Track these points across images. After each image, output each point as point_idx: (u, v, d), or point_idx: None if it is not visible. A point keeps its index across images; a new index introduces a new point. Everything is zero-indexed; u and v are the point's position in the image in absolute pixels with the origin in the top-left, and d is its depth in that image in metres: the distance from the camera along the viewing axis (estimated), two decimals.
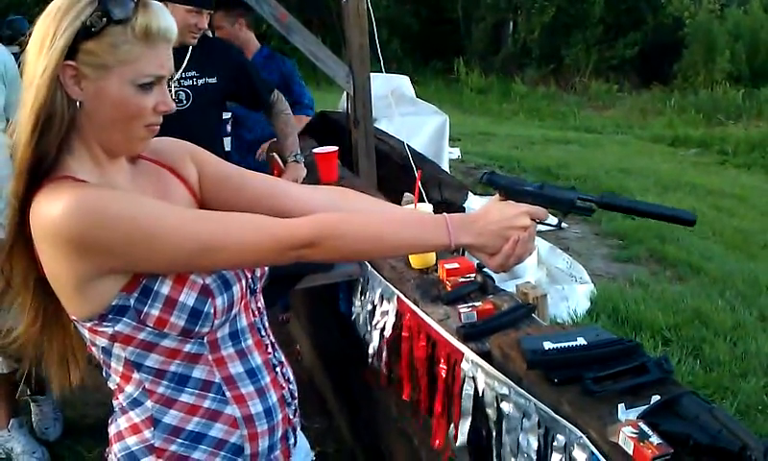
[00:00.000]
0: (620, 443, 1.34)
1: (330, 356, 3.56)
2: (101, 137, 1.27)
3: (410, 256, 2.33)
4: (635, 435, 1.32)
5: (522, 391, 1.60)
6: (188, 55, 3.08)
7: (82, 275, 1.20)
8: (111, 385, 1.36)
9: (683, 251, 6.17)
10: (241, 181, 1.48)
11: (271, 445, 1.40)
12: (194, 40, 3.04)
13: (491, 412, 1.72)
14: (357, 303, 2.63)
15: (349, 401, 3.28)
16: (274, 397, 1.40)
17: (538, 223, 1.40)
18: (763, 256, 6.57)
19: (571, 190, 1.43)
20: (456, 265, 2.19)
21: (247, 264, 1.34)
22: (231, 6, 4.13)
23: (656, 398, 1.45)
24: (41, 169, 1.21)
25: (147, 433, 1.31)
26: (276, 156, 3.66)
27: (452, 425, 1.89)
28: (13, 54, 3.44)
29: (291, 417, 1.47)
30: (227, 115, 3.89)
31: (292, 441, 1.48)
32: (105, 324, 1.24)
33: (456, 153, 9.06)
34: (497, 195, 1.43)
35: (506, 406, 1.67)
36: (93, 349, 1.32)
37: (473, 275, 2.15)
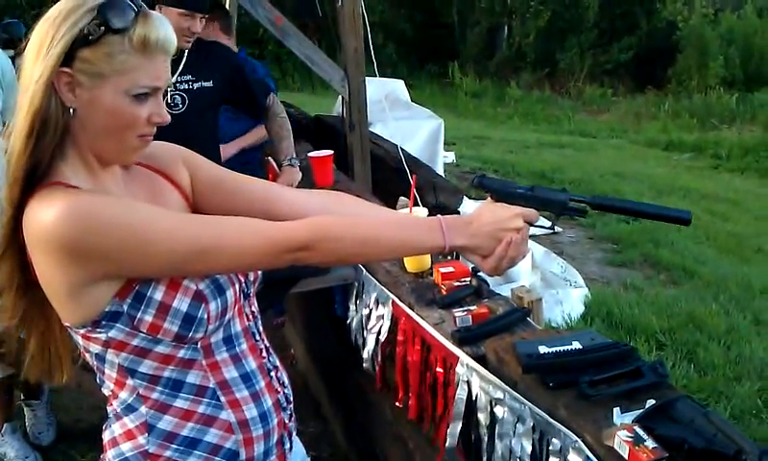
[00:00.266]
0: (615, 447, 1.34)
1: (325, 361, 3.55)
2: (93, 145, 1.26)
3: (405, 260, 2.33)
4: (630, 439, 1.32)
5: (517, 395, 1.60)
6: (184, 59, 3.07)
7: (74, 281, 1.19)
8: (105, 391, 1.35)
9: (677, 255, 6.18)
10: (235, 185, 1.47)
11: (266, 450, 1.40)
12: (188, 44, 3.04)
13: (482, 417, 1.72)
14: (352, 307, 2.63)
15: (344, 406, 3.27)
16: (269, 401, 1.40)
17: (531, 225, 1.40)
18: (757, 260, 6.59)
19: (563, 192, 1.43)
20: (451, 269, 2.20)
21: (242, 268, 1.33)
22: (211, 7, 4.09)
23: (651, 402, 1.45)
24: (36, 175, 1.20)
25: (141, 439, 1.31)
26: (272, 159, 3.66)
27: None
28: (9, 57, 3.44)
29: (286, 421, 1.46)
30: None
31: (288, 446, 1.48)
32: (98, 330, 1.23)
33: (451, 157, 9.06)
34: (489, 198, 1.43)
35: (499, 411, 1.67)
36: (87, 355, 1.31)
37: (468, 279, 2.15)
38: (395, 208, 2.81)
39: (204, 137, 3.06)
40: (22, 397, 3.34)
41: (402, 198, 2.96)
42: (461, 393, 1.78)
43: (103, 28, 1.18)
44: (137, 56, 1.21)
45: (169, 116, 1.29)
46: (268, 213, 1.42)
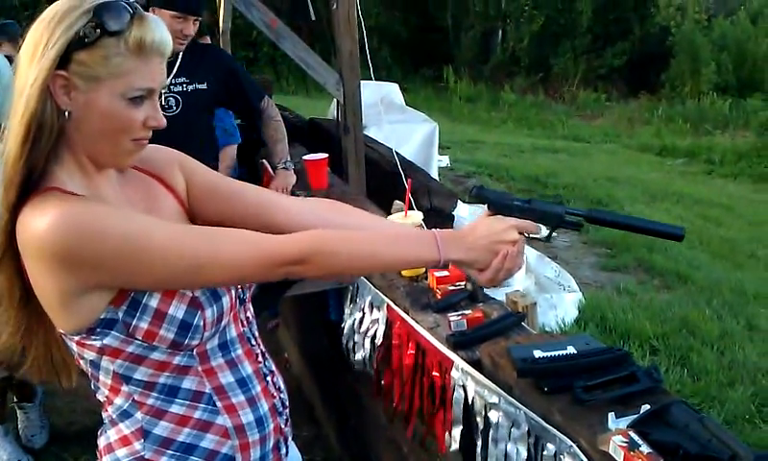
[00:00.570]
0: (610, 452, 1.34)
1: (319, 364, 3.55)
2: (89, 149, 1.25)
3: None
4: (625, 444, 1.32)
5: (512, 399, 1.60)
6: (178, 61, 3.07)
7: (67, 290, 1.18)
8: (100, 397, 1.34)
9: (670, 260, 6.20)
10: (230, 192, 1.46)
11: (262, 455, 1.39)
12: (181, 47, 3.04)
13: (479, 421, 1.72)
14: (347, 311, 2.62)
15: (338, 410, 3.27)
16: (265, 406, 1.39)
17: (526, 237, 1.40)
18: (750, 266, 6.62)
19: (559, 205, 1.43)
20: (446, 273, 2.19)
21: (237, 281, 1.32)
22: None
23: (645, 407, 1.45)
24: (31, 180, 1.19)
25: (137, 445, 1.30)
26: (266, 162, 3.66)
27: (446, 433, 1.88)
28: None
29: (282, 426, 1.45)
30: None
31: (284, 451, 1.47)
32: (93, 337, 1.22)
33: (445, 161, 9.08)
34: (486, 209, 1.43)
35: (494, 415, 1.66)
36: (81, 361, 1.30)
37: (463, 283, 2.15)
38: (389, 212, 2.81)
39: (198, 139, 3.06)
40: (15, 399, 3.32)
41: (397, 201, 2.96)
42: (458, 396, 1.78)
43: (99, 30, 1.17)
44: (133, 58, 1.20)
45: (165, 120, 1.28)
46: (263, 220, 1.42)
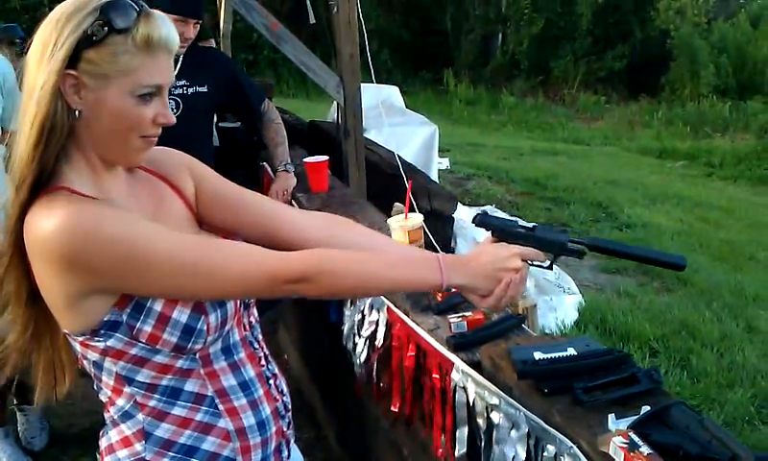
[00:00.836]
0: (611, 453, 1.34)
1: (319, 366, 3.55)
2: (98, 147, 1.25)
3: None
4: (625, 445, 1.32)
5: (512, 401, 1.60)
6: (179, 64, 3.08)
7: (72, 291, 1.18)
8: (102, 398, 1.34)
9: None
10: (238, 200, 1.47)
11: (264, 458, 1.39)
12: (182, 50, 3.04)
13: (480, 422, 1.72)
14: (347, 312, 2.62)
15: (338, 412, 3.27)
16: (267, 409, 1.39)
17: (530, 264, 1.40)
18: (749, 268, 6.62)
19: (563, 232, 1.44)
20: None
21: (239, 295, 1.32)
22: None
23: (645, 408, 1.45)
24: (42, 180, 1.20)
25: (138, 446, 1.30)
26: (267, 165, 3.66)
27: (442, 436, 1.88)
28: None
29: (285, 429, 1.46)
30: None
31: (285, 454, 1.47)
32: (96, 339, 1.23)
33: (445, 163, 9.08)
34: (490, 235, 1.43)
35: (495, 416, 1.67)
36: (84, 361, 1.31)
37: None
38: (389, 214, 2.81)
39: (198, 142, 3.06)
40: (15, 402, 3.32)
41: (397, 204, 2.96)
42: (461, 398, 1.78)
43: (106, 28, 1.18)
44: (141, 55, 1.21)
45: (174, 117, 1.29)
46: (269, 232, 1.44)
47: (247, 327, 1.41)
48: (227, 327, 1.32)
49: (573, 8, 19.36)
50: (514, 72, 19.72)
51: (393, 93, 8.01)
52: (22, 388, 3.27)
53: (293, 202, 3.39)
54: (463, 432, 1.80)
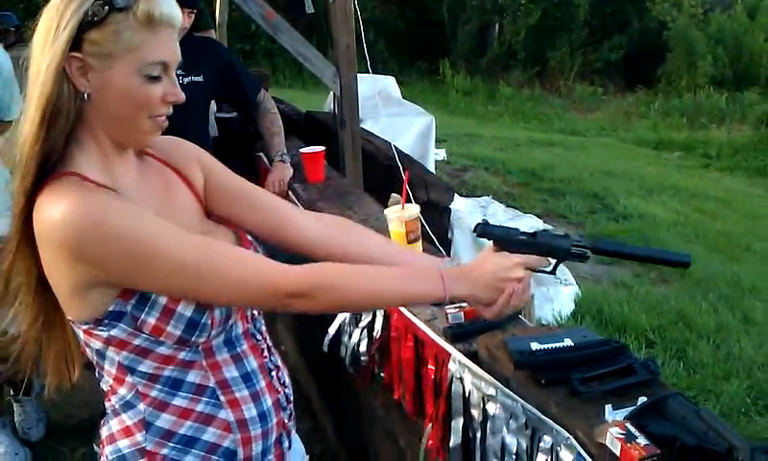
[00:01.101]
0: (607, 444, 1.34)
1: (316, 357, 3.54)
2: (109, 129, 1.25)
3: None
4: (622, 436, 1.32)
5: (509, 392, 1.60)
6: None
7: (76, 281, 1.19)
8: (104, 387, 1.34)
9: None
10: (247, 198, 1.48)
11: (264, 449, 1.39)
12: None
13: (476, 413, 1.72)
14: None
15: (335, 402, 3.27)
16: (269, 401, 1.39)
17: (533, 271, 1.40)
18: (746, 259, 6.63)
19: (565, 237, 1.42)
20: None
21: (239, 303, 1.31)
22: None
23: (642, 399, 1.45)
24: (49, 164, 1.20)
25: (139, 436, 1.30)
26: (263, 155, 3.65)
27: (430, 426, 1.89)
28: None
29: (286, 421, 1.46)
30: None
31: (286, 445, 1.47)
32: (100, 328, 1.23)
33: (442, 154, 9.07)
34: (491, 244, 1.41)
35: (491, 407, 1.67)
36: (87, 350, 1.31)
37: None
38: (386, 205, 2.80)
39: (195, 132, 3.03)
40: (11, 393, 3.32)
41: (394, 194, 2.95)
42: (456, 389, 1.78)
43: (107, 7, 1.18)
44: (143, 31, 1.20)
45: (183, 95, 1.28)
46: (275, 232, 1.45)
47: (249, 319, 1.41)
48: (230, 321, 1.32)
49: None
50: (510, 63, 19.68)
51: (389, 84, 7.99)
52: (18, 379, 3.27)
53: (289, 192, 3.39)
54: (458, 423, 1.80)
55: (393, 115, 6.63)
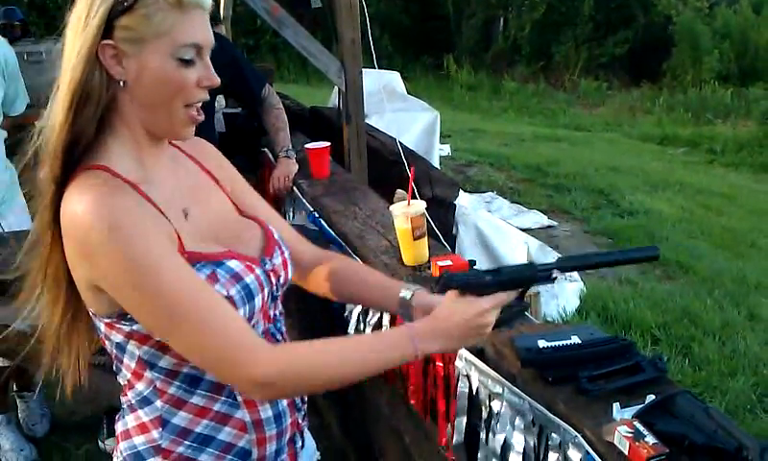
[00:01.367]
0: (615, 442, 1.33)
1: None
2: (145, 118, 1.25)
3: (402, 253, 2.32)
4: (630, 435, 1.32)
5: (516, 389, 1.59)
6: None
7: (91, 279, 1.19)
8: (121, 380, 1.33)
9: (672, 250, 6.19)
10: (260, 215, 1.48)
11: (278, 449, 1.38)
12: None
13: (483, 410, 1.71)
14: None
15: (340, 399, 3.27)
16: (284, 402, 1.38)
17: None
18: (751, 255, 6.61)
19: (529, 266, 1.38)
20: (449, 262, 2.18)
21: (204, 369, 1.27)
22: None
23: (650, 397, 1.44)
24: (77, 150, 1.20)
25: (155, 433, 1.29)
26: (267, 151, 3.65)
27: (448, 425, 1.88)
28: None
29: (300, 421, 1.45)
30: None
31: (299, 444, 1.47)
32: (123, 322, 1.22)
33: (446, 149, 9.06)
34: (453, 291, 1.35)
35: (497, 405, 1.66)
36: (107, 342, 1.30)
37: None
38: (391, 200, 2.79)
39: (200, 127, 3.04)
40: (15, 388, 3.32)
41: (399, 190, 2.95)
42: (462, 387, 1.77)
43: None
44: (174, 13, 1.19)
45: (219, 79, 1.28)
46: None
47: (272, 318, 1.39)
48: (253, 322, 1.30)
49: None
50: (515, 57, 19.67)
51: (394, 79, 7.97)
52: (22, 374, 3.27)
53: (294, 188, 3.38)
54: (461, 422, 1.79)
55: (397, 110, 6.62)
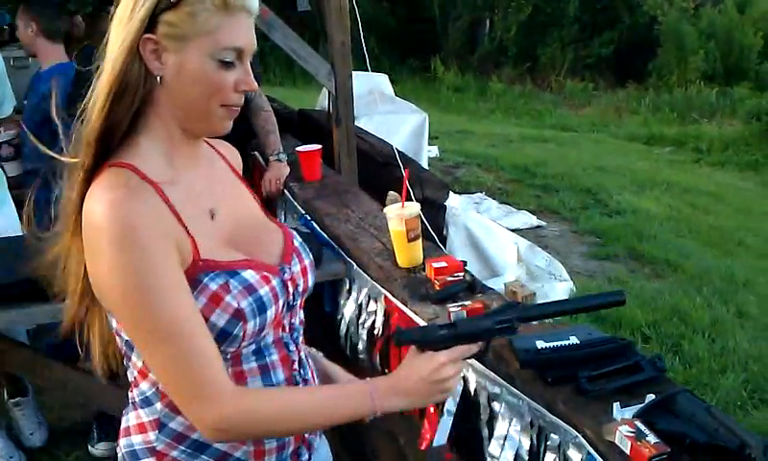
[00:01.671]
0: (617, 442, 1.33)
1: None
2: (180, 115, 1.24)
3: (397, 255, 2.31)
4: (631, 434, 1.32)
5: (515, 390, 1.59)
6: None
7: (93, 274, 1.19)
8: (129, 377, 1.33)
9: (660, 248, 6.22)
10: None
11: None
12: None
13: (482, 412, 1.71)
14: (342, 302, 2.61)
15: None
16: None
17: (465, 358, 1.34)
18: (739, 253, 6.65)
19: (486, 317, 1.35)
20: (444, 264, 2.18)
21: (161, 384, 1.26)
22: (31, 3, 3.51)
23: (650, 396, 1.45)
24: (111, 142, 1.20)
25: (152, 435, 1.29)
26: (258, 154, 3.63)
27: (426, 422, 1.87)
28: None
29: (306, 435, 1.41)
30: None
31: (305, 457, 1.42)
32: None
33: (434, 151, 9.06)
34: (413, 348, 1.33)
35: (496, 406, 1.66)
36: (117, 339, 1.30)
37: (461, 274, 2.14)
38: (384, 204, 2.79)
39: None
40: (7, 397, 3.28)
41: (392, 192, 2.95)
42: (457, 388, 1.77)
43: None
44: (219, 14, 1.19)
45: (256, 84, 1.27)
46: None
47: (287, 328, 1.37)
48: (263, 333, 1.29)
49: None
50: (501, 59, 19.68)
51: (382, 81, 7.96)
52: (14, 381, 3.24)
53: (285, 191, 3.37)
54: (447, 422, 1.77)
55: (386, 113, 6.62)
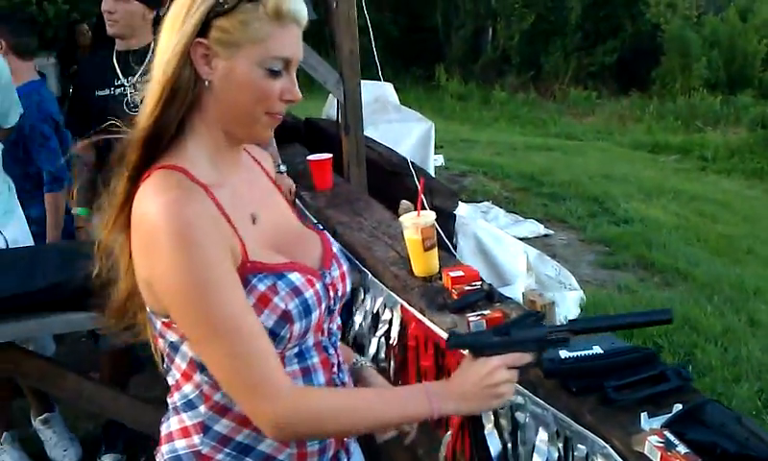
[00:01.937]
0: (646, 452, 1.31)
1: None
2: (225, 120, 1.26)
3: (413, 264, 2.30)
4: (661, 444, 1.30)
5: (539, 400, 1.57)
6: (149, 55, 3.01)
7: (147, 276, 1.20)
8: (170, 380, 1.33)
9: (669, 257, 6.19)
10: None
11: None
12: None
13: (504, 422, 1.69)
14: (355, 309, 2.59)
15: None
16: None
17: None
18: (748, 261, 6.62)
19: (540, 326, 1.35)
20: (461, 273, 2.17)
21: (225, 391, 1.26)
22: (1, 21, 3.49)
23: (677, 406, 1.43)
24: (159, 145, 1.21)
25: (196, 438, 1.28)
26: None
27: (448, 435, 1.86)
28: None
29: (345, 438, 1.42)
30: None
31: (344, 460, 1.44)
32: None
33: (440, 160, 9.05)
34: (469, 354, 1.34)
35: (520, 416, 1.64)
36: (160, 341, 1.30)
37: (479, 283, 2.12)
38: (396, 212, 2.78)
39: None
40: (35, 416, 3.23)
41: (404, 201, 2.93)
42: None
43: None
44: (271, 24, 1.21)
45: (301, 94, 1.28)
46: None
47: (326, 332, 1.37)
48: (306, 336, 1.30)
49: (563, 2, 19.34)
50: (504, 67, 19.70)
51: (387, 90, 7.97)
52: (40, 395, 3.19)
53: (296, 201, 3.36)
54: (492, 434, 1.75)
55: (392, 121, 6.62)
